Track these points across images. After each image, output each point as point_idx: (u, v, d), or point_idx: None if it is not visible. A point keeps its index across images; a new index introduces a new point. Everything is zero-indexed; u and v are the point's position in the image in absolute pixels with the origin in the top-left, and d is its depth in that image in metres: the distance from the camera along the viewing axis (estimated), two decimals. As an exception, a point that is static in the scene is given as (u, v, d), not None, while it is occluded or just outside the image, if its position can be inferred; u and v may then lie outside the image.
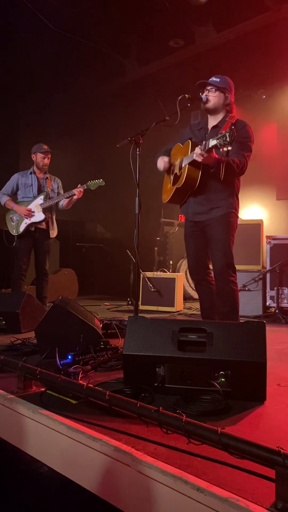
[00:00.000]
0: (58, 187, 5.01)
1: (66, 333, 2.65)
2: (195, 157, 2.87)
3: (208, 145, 2.76)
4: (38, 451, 1.73)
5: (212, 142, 2.71)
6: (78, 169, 7.75)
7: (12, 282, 4.84)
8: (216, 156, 2.88)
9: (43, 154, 4.88)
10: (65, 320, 2.69)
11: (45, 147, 4.89)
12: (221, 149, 2.66)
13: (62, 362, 2.33)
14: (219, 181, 3.01)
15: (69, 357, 2.42)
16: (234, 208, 3.18)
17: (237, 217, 3.22)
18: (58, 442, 1.63)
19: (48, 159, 4.90)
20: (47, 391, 1.98)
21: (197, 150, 2.85)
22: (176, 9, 6.06)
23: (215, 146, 2.70)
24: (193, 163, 3.00)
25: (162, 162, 3.38)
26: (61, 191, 5.00)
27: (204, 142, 2.85)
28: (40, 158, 4.88)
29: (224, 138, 2.60)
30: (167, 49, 7.08)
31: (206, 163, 2.91)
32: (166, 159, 3.37)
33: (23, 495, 1.87)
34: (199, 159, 2.85)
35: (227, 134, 2.59)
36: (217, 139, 2.64)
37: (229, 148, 2.63)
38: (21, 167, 7.24)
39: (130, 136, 3.25)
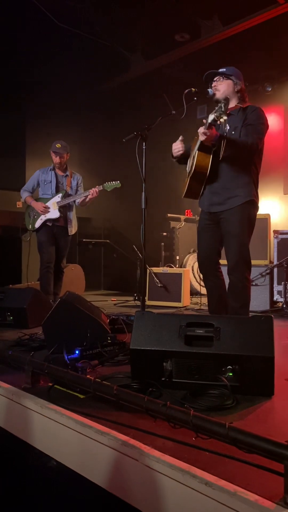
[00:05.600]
0: (77, 184, 5.01)
1: (74, 328, 2.66)
2: (200, 137, 2.83)
3: (208, 121, 2.75)
4: (46, 445, 1.74)
5: (211, 117, 2.71)
6: (84, 164, 7.75)
7: (40, 277, 4.90)
8: (217, 133, 2.84)
9: (54, 154, 4.88)
10: (72, 316, 2.69)
11: (58, 145, 4.85)
12: (218, 122, 2.66)
13: (69, 357, 2.34)
14: (234, 167, 2.97)
15: (77, 352, 2.43)
16: (254, 195, 3.05)
17: (257, 207, 3.09)
18: (66, 437, 1.63)
19: (59, 158, 4.85)
20: (55, 386, 1.99)
21: (200, 129, 2.81)
22: (182, 3, 6.01)
23: (213, 120, 2.69)
24: (202, 148, 2.95)
25: (178, 144, 3.22)
26: (80, 188, 5.00)
27: (204, 120, 2.83)
28: (53, 156, 4.89)
29: (219, 110, 2.61)
30: (173, 43, 7.02)
31: (209, 140, 2.84)
32: (180, 138, 3.24)
33: (31, 489, 1.88)
34: (203, 138, 2.80)
35: (222, 105, 2.61)
36: (214, 112, 2.66)
37: (225, 118, 2.63)
38: (28, 164, 7.26)
39: (136, 130, 3.24)
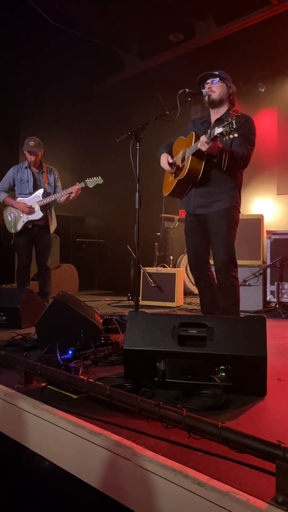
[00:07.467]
0: (54, 179, 4.88)
1: (67, 328, 2.65)
2: (199, 145, 2.84)
3: (214, 133, 2.73)
4: (39, 445, 1.74)
5: (218, 130, 2.69)
6: (78, 164, 7.73)
7: (16, 279, 4.84)
8: (220, 145, 2.86)
9: (28, 153, 4.74)
10: (66, 315, 2.69)
11: (32, 143, 4.70)
12: (226, 137, 2.65)
13: (62, 357, 2.34)
14: (222, 173, 3.01)
15: (70, 352, 2.42)
16: (236, 202, 3.15)
17: (239, 211, 3.20)
18: (59, 437, 1.63)
19: (34, 156, 4.72)
20: (48, 386, 1.98)
21: (203, 138, 2.81)
22: (177, 3, 6.02)
23: (221, 134, 2.67)
24: (196, 154, 2.97)
25: (164, 161, 3.33)
26: (58, 184, 4.88)
27: (209, 131, 2.84)
28: (27, 155, 4.76)
29: (230, 125, 2.59)
30: (167, 43, 7.04)
31: (210, 152, 2.87)
32: (168, 157, 3.33)
33: (24, 489, 1.87)
34: (204, 148, 2.81)
35: (233, 121, 2.58)
36: (223, 126, 2.63)
37: (235, 135, 2.61)
38: (21, 162, 7.23)
39: (130, 130, 3.24)
